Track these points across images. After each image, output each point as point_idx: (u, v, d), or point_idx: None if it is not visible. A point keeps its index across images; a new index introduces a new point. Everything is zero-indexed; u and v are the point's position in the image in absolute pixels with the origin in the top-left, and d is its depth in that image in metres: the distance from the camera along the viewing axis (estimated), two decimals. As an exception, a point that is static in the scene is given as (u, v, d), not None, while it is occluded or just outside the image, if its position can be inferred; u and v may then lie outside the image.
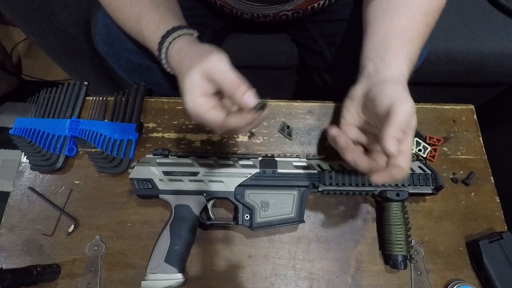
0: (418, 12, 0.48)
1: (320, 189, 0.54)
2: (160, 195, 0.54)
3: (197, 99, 0.40)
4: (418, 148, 0.60)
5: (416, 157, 0.60)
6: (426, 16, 0.48)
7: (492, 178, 0.60)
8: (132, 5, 0.51)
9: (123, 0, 0.52)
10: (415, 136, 0.61)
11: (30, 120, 0.64)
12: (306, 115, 0.65)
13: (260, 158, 0.56)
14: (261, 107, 0.42)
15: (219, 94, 0.42)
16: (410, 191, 0.53)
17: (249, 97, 0.39)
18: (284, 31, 0.88)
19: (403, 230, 0.52)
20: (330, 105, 0.65)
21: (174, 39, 0.47)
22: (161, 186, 0.54)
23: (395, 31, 0.48)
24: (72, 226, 0.56)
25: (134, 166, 0.55)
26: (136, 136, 0.62)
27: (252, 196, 0.54)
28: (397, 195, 0.53)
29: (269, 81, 1.07)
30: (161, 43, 0.48)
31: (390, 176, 0.41)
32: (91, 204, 0.58)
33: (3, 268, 0.45)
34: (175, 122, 0.64)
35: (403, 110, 0.38)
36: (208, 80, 0.40)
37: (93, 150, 0.61)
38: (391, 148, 0.37)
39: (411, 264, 0.54)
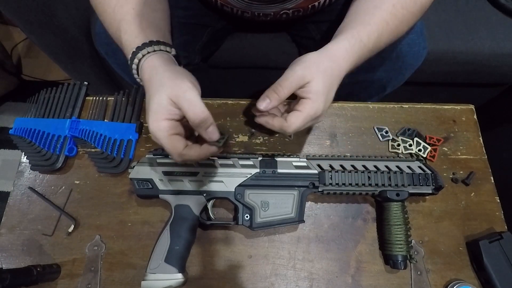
0: (386, 3, 0.49)
1: (320, 189, 0.54)
2: (160, 195, 0.54)
3: (160, 122, 0.40)
4: (418, 148, 0.60)
5: (416, 157, 0.60)
6: (394, 7, 0.49)
7: (492, 178, 0.60)
8: (115, 12, 0.51)
9: (107, 5, 0.52)
10: (415, 136, 0.61)
11: (30, 120, 0.64)
12: (306, 115, 0.65)
13: (260, 158, 0.56)
14: (223, 142, 0.44)
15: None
16: (410, 191, 0.53)
17: (213, 133, 0.42)
18: (285, 30, 0.88)
19: (403, 230, 0.52)
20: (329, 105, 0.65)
21: (148, 52, 0.47)
22: (161, 186, 0.54)
23: (356, 17, 0.51)
24: (72, 226, 0.56)
25: (134, 166, 0.55)
26: (136, 136, 0.62)
27: (252, 196, 0.54)
28: (397, 195, 0.53)
29: (269, 81, 1.06)
30: (134, 54, 0.47)
31: (267, 120, 0.48)
32: (91, 204, 0.58)
33: (3, 268, 0.45)
34: (175, 122, 0.64)
35: (287, 75, 0.44)
36: (174, 106, 0.40)
37: (93, 150, 0.61)
38: (258, 104, 0.46)
39: (411, 264, 0.54)
